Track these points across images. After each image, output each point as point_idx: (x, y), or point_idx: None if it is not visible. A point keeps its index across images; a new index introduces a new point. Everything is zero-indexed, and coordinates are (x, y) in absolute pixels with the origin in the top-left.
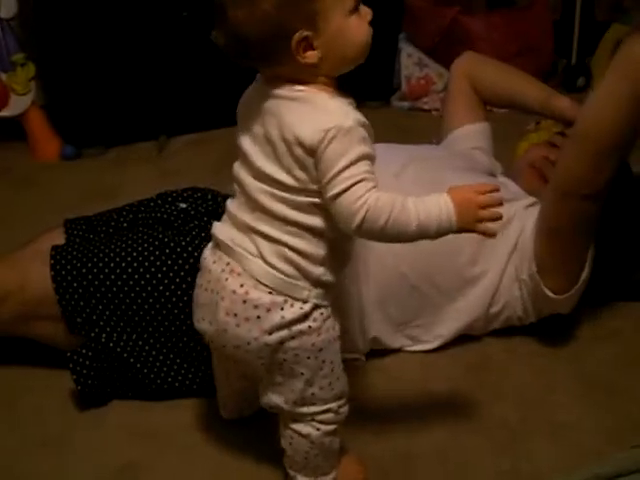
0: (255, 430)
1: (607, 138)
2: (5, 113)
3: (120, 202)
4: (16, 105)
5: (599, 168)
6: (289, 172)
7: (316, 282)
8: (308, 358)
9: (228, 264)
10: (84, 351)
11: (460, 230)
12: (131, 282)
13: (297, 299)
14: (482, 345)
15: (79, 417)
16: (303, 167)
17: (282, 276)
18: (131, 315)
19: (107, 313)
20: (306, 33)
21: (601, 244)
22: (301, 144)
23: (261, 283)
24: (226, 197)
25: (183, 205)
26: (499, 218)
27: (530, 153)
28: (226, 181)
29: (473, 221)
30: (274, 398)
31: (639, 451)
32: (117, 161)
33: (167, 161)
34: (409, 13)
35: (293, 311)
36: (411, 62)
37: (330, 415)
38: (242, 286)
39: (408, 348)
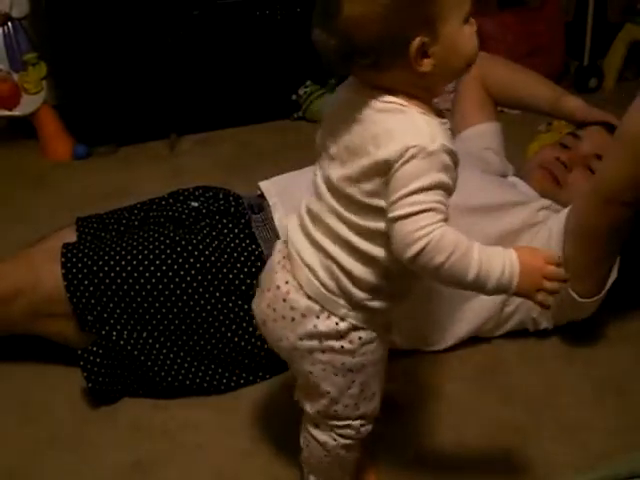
0: (267, 429)
1: None
2: (17, 112)
3: (131, 201)
4: (28, 104)
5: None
6: (359, 185)
7: (357, 305)
8: (335, 375)
9: (284, 258)
10: (95, 349)
11: (517, 294)
12: (142, 280)
13: (334, 314)
14: (493, 347)
15: (90, 415)
16: (375, 182)
17: (323, 289)
18: (142, 313)
19: (118, 311)
20: (425, 39)
21: (626, 248)
22: (379, 157)
23: (302, 288)
24: (237, 196)
25: (195, 204)
26: (557, 292)
27: (541, 154)
28: (237, 180)
29: (534, 289)
30: (301, 399)
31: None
32: (128, 160)
33: (178, 160)
34: None
35: (327, 324)
36: None
37: (350, 431)
38: (287, 283)
39: (422, 349)
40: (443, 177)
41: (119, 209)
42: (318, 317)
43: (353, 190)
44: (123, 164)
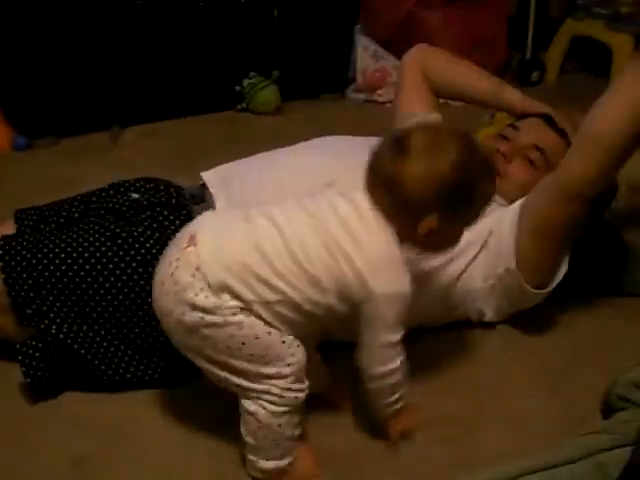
0: (207, 422)
1: (619, 140)
2: None
3: (72, 193)
4: None
5: (607, 170)
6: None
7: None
8: (228, 348)
9: (182, 236)
10: (34, 343)
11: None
12: (82, 273)
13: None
14: (434, 337)
15: (29, 410)
16: (342, 297)
17: (222, 273)
18: (82, 306)
19: (57, 304)
20: (437, 219)
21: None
22: (362, 283)
23: (198, 260)
24: (179, 188)
25: (135, 195)
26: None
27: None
28: (178, 172)
29: (400, 427)
30: (215, 377)
31: (588, 438)
32: (69, 151)
33: (121, 152)
34: (365, 5)
35: (204, 301)
36: (367, 54)
37: (272, 397)
38: (178, 259)
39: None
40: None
41: (59, 201)
42: (196, 294)
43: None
44: (64, 156)
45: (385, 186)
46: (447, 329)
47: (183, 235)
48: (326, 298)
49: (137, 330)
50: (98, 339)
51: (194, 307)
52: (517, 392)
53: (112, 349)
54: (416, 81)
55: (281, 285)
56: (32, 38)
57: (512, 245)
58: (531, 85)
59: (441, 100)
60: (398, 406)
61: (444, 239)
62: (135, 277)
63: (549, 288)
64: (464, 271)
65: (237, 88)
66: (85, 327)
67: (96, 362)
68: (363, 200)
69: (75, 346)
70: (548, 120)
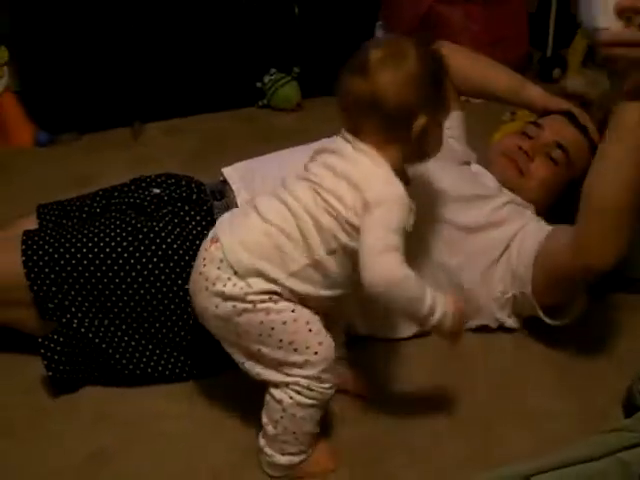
0: (229, 416)
1: (618, 207)
2: None
3: (94, 188)
4: None
5: (613, 239)
6: (337, 208)
7: (274, 282)
8: (259, 335)
9: (207, 240)
10: (55, 337)
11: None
12: (103, 267)
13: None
14: None
15: (50, 404)
16: (355, 212)
17: (246, 258)
18: (103, 301)
19: (79, 299)
20: (427, 119)
21: None
22: (362, 199)
23: (223, 252)
24: (200, 183)
25: (156, 191)
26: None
27: (503, 142)
28: (199, 168)
29: (457, 330)
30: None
31: (610, 436)
32: (91, 147)
33: (142, 148)
34: (386, 2)
35: (233, 289)
36: None
37: (301, 388)
38: (204, 259)
39: (385, 336)
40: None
41: (81, 196)
42: (225, 285)
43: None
44: (86, 152)
45: (368, 109)
46: (466, 328)
47: (206, 241)
48: (339, 240)
49: (158, 325)
50: (119, 333)
51: (225, 297)
52: (536, 391)
53: (133, 343)
54: None
55: (298, 251)
56: (54, 35)
57: (530, 272)
58: (552, 82)
59: (462, 98)
60: (434, 321)
61: (433, 141)
62: (156, 272)
63: (565, 321)
64: (486, 271)
65: (258, 85)
66: (106, 321)
67: (117, 356)
68: (348, 148)
69: (96, 340)
70: (570, 117)
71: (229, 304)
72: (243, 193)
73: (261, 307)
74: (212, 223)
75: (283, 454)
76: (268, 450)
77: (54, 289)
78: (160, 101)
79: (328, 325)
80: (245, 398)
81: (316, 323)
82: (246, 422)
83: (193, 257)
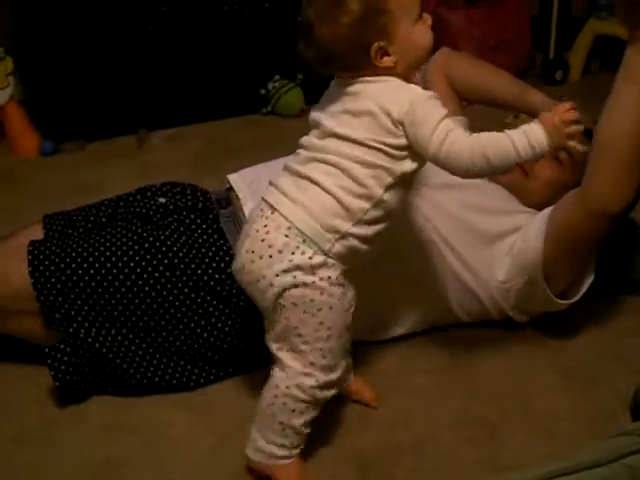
0: (237, 424)
1: (631, 147)
2: None
3: (99, 197)
4: None
5: (629, 182)
6: (377, 139)
7: (340, 239)
8: (305, 313)
9: (262, 209)
10: (62, 346)
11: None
12: (110, 277)
13: (311, 247)
14: (460, 338)
15: (57, 413)
16: (392, 134)
17: (313, 221)
18: (110, 310)
19: (86, 308)
20: (382, 43)
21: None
22: (389, 115)
23: (288, 221)
24: (205, 192)
25: (162, 200)
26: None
27: None
28: (205, 175)
29: (564, 138)
30: (271, 342)
31: (617, 440)
32: (96, 156)
33: (147, 155)
34: None
35: (302, 258)
36: None
37: (310, 381)
38: (265, 226)
39: (381, 337)
40: (444, 111)
41: (86, 206)
42: (293, 253)
43: (368, 141)
44: (91, 160)
45: (327, 63)
46: (473, 331)
47: (259, 208)
48: (388, 169)
49: (164, 334)
50: (126, 343)
51: (289, 268)
52: (544, 393)
53: (140, 352)
54: (440, 85)
55: (358, 198)
56: (58, 45)
57: (540, 253)
58: (555, 85)
59: (463, 102)
60: (538, 152)
61: (413, 44)
62: (162, 281)
63: (575, 298)
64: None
65: (262, 91)
66: (113, 331)
67: (124, 366)
68: (346, 89)
69: (103, 350)
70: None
71: (290, 275)
72: (249, 202)
73: (319, 285)
74: (218, 231)
75: (268, 442)
76: (255, 434)
77: (61, 299)
78: (164, 109)
79: None
80: (253, 406)
81: (350, 315)
82: None
83: (199, 265)
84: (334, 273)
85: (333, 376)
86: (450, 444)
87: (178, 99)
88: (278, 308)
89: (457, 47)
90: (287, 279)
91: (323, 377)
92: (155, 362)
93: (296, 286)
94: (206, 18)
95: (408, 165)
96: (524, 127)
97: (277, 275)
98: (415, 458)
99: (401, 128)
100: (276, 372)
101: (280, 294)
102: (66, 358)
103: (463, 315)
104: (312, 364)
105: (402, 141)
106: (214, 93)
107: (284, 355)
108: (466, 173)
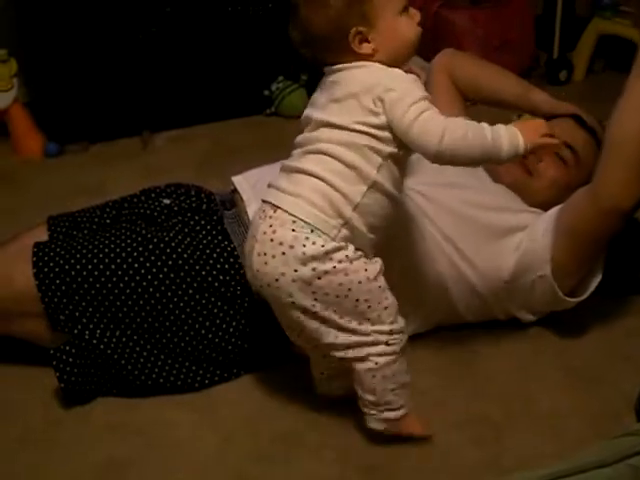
0: (242, 424)
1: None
2: None
3: (104, 198)
4: None
5: (637, 181)
6: (359, 120)
7: (345, 223)
8: (337, 297)
9: (264, 211)
10: (67, 348)
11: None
12: (114, 279)
13: (320, 236)
14: (464, 338)
15: (63, 415)
16: (373, 113)
17: (316, 211)
18: (114, 311)
19: (90, 310)
20: (361, 28)
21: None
22: (370, 91)
23: (291, 215)
24: (209, 193)
25: (166, 201)
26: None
27: None
28: (209, 176)
29: (537, 136)
30: (325, 338)
31: (621, 440)
32: (101, 157)
33: (151, 157)
34: None
35: (314, 248)
36: None
37: (381, 347)
38: (271, 226)
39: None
40: (425, 93)
41: (91, 207)
42: (304, 245)
43: (354, 125)
44: (95, 162)
45: (309, 46)
46: (477, 331)
47: (260, 210)
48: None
49: (169, 335)
50: (131, 344)
51: (305, 261)
52: (548, 393)
53: (144, 354)
54: (444, 85)
55: (354, 183)
56: (62, 46)
57: (548, 251)
58: (559, 84)
59: (467, 102)
60: (509, 151)
61: (395, 35)
62: (167, 282)
63: (584, 296)
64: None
65: (266, 92)
66: (118, 332)
67: (129, 367)
68: (329, 77)
69: (108, 351)
70: (578, 120)
71: (309, 267)
72: (253, 203)
73: (340, 268)
74: (222, 233)
75: (387, 410)
76: (373, 411)
77: (65, 301)
78: (168, 110)
79: None
80: (258, 406)
81: (381, 278)
82: (260, 430)
83: (204, 267)
84: (349, 250)
85: (396, 326)
86: (454, 444)
87: (182, 100)
88: (307, 300)
89: (461, 47)
90: (307, 272)
91: (389, 329)
92: (160, 363)
93: (319, 278)
94: (209, 19)
95: (394, 146)
96: (500, 124)
97: (296, 270)
98: (419, 458)
99: (380, 105)
100: (356, 365)
101: (305, 289)
102: (71, 360)
103: (468, 315)
104: (375, 331)
105: (383, 119)
106: (218, 94)
107: (346, 339)
108: (437, 154)
